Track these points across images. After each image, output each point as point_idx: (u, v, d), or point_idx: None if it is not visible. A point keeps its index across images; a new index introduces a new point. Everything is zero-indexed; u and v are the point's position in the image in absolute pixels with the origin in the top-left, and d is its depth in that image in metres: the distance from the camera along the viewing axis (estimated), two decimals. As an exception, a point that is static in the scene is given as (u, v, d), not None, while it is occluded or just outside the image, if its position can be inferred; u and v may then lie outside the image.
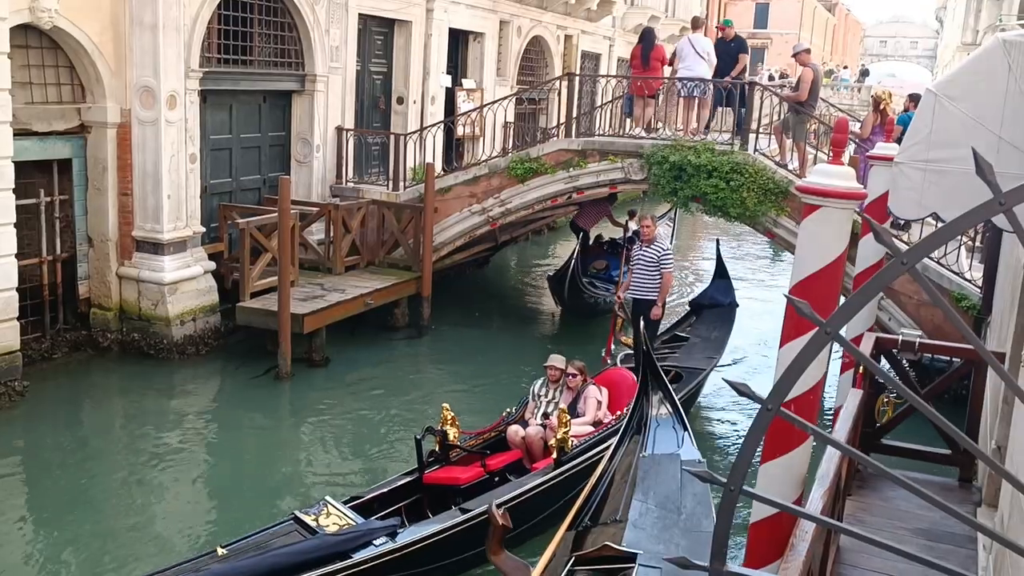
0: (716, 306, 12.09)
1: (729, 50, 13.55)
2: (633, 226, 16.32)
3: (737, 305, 12.19)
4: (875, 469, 1.64)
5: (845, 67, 52.98)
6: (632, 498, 5.92)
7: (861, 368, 6.72)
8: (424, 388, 11.14)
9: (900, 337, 7.15)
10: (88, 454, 8.83)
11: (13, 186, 9.49)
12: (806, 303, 1.58)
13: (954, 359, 6.95)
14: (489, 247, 16.55)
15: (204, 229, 11.93)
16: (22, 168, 9.81)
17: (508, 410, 8.20)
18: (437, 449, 7.41)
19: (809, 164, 12.05)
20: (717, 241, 14.04)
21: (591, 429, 7.71)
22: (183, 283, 11.31)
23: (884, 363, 7.10)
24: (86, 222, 11.26)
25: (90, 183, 11.17)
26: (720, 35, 14.13)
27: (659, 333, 11.16)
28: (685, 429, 6.86)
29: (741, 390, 1.68)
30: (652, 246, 10.39)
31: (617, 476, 6.34)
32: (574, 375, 7.95)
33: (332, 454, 9.28)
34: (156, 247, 11.18)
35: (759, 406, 1.71)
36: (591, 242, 15.92)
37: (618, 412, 7.83)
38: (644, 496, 5.92)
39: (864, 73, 47.64)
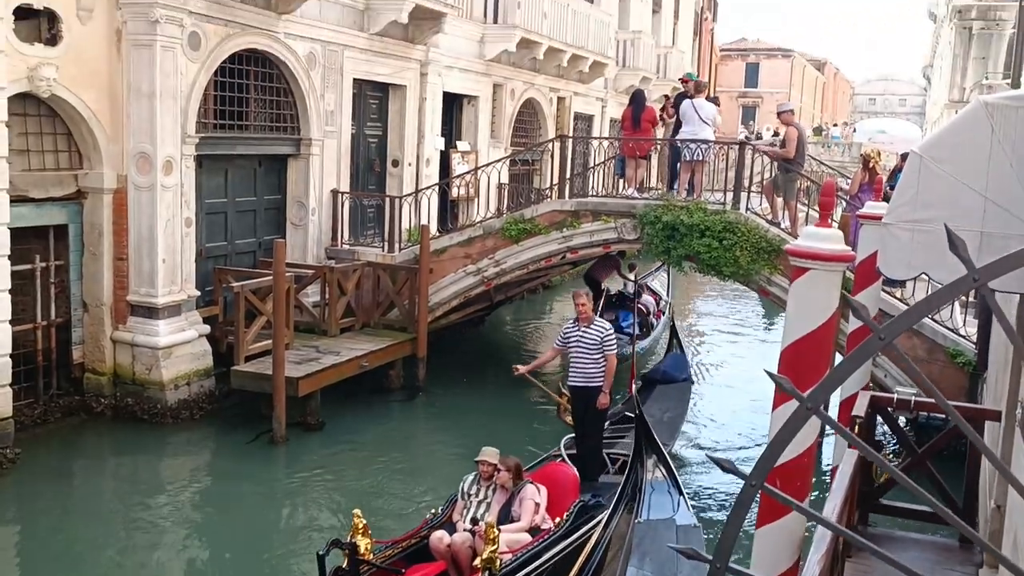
0: (670, 382, 11.43)
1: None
2: (632, 280, 16.54)
3: (693, 382, 11.61)
4: (861, 545, 1.62)
5: (835, 124, 53.71)
6: (628, 564, 5.85)
7: (856, 428, 6.68)
8: (420, 452, 11.06)
9: (895, 396, 7.13)
10: (80, 522, 8.71)
11: (8, 253, 9.53)
12: (787, 379, 1.58)
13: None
14: (484, 307, 16.57)
15: (199, 293, 11.95)
16: (18, 234, 9.86)
17: (433, 511, 7.15)
18: (345, 566, 6.12)
19: (801, 222, 12.15)
20: (671, 309, 13.68)
21: (528, 538, 6.63)
22: (177, 347, 11.29)
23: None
24: (81, 287, 11.28)
25: (86, 248, 11.21)
26: (683, 88, 14.30)
27: (611, 410, 9.88)
28: (680, 493, 6.82)
29: (725, 467, 1.67)
30: (592, 326, 8.82)
31: (612, 544, 6.27)
32: (504, 471, 6.94)
33: (326, 521, 9.16)
34: (151, 311, 11.18)
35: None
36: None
37: (558, 518, 6.82)
38: (640, 564, 5.86)
39: (853, 129, 48.46)
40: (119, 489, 9.67)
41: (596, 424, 8.83)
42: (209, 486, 9.81)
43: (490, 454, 7.04)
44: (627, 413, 10.26)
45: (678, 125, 13.76)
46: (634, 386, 9.97)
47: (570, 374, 8.96)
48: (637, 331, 14.50)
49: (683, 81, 14.49)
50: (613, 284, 16.08)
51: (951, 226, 5.35)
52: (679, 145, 13.50)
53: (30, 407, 10.55)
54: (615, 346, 8.87)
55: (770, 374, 1.69)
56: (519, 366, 9.16)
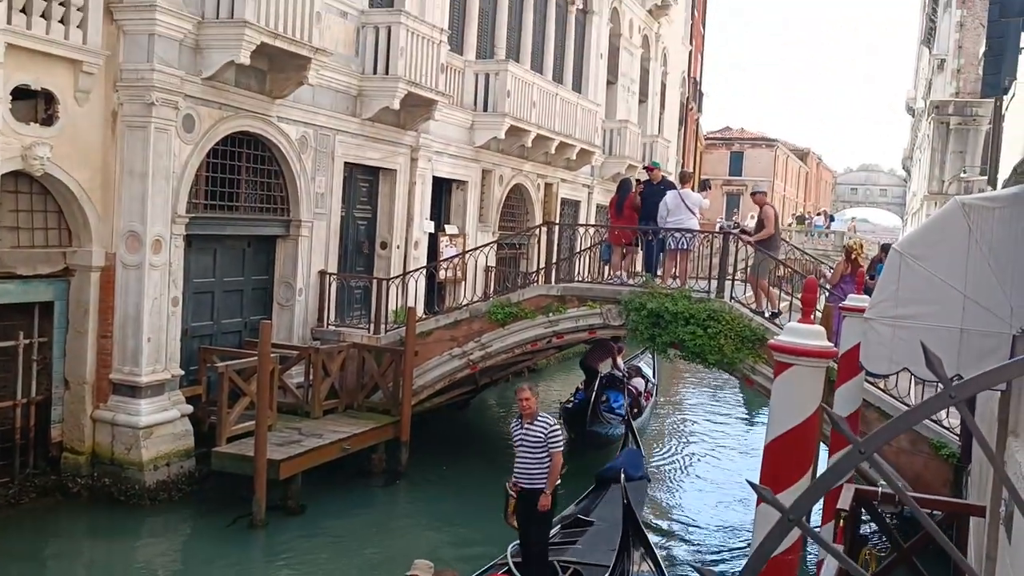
0: (626, 480, 10.59)
1: (656, 192, 13.98)
2: (622, 365, 16.87)
3: (649, 480, 11.12)
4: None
5: (819, 214, 54.63)
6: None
7: (841, 521, 6.66)
8: (398, 542, 10.85)
9: (880, 489, 7.13)
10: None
11: (-7, 329, 9.50)
12: (768, 490, 1.60)
13: (935, 511, 6.90)
14: (469, 390, 16.51)
15: (183, 372, 11.88)
16: (3, 310, 9.84)
17: None
18: None
19: (781, 309, 12.31)
20: (627, 409, 13.05)
21: None
22: (159, 427, 11.17)
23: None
24: (64, 364, 11.20)
25: (71, 326, 11.17)
26: (648, 177, 14.50)
27: (562, 514, 9.60)
28: (667, 586, 6.71)
29: (703, 574, 1.67)
30: (536, 422, 8.20)
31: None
32: None
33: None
34: (133, 390, 11.09)
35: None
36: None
37: None
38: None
39: (831, 219, 49.57)
40: (92, 574, 9.44)
41: (541, 528, 8.26)
42: (185, 572, 9.59)
43: (422, 567, 6.56)
44: (580, 516, 9.83)
45: (644, 214, 14.00)
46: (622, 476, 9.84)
47: (514, 474, 8.34)
48: (628, 412, 15.05)
49: (648, 169, 14.66)
50: (604, 367, 16.34)
51: (932, 323, 5.42)
52: (663, 234, 13.67)
53: (4, 486, 10.37)
54: (561, 443, 8.25)
55: (752, 485, 1.72)
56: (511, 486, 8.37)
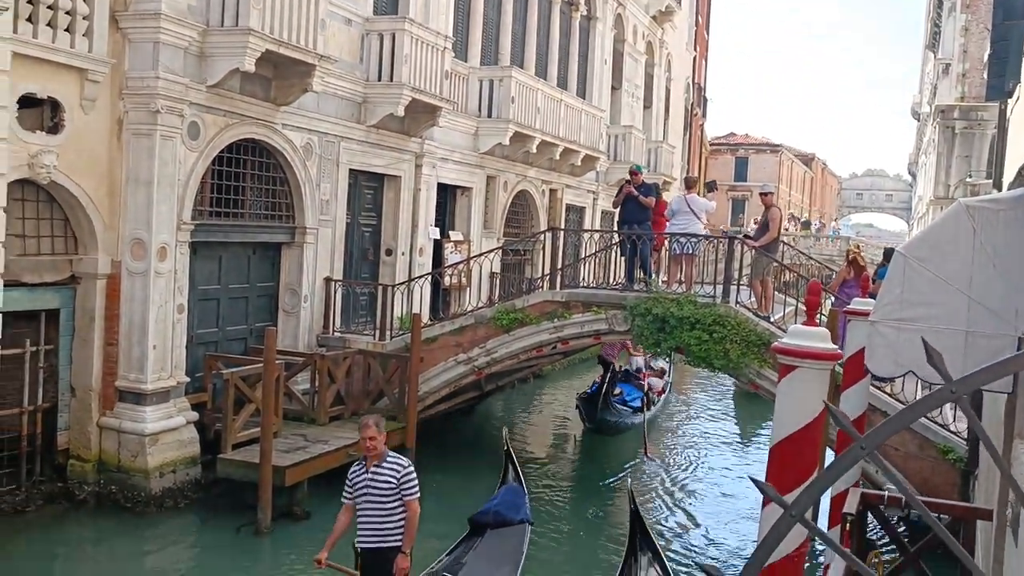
0: (503, 524, 9.13)
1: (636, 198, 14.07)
2: (639, 360, 18.62)
3: (531, 523, 9.47)
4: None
5: (821, 220, 54.65)
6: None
7: (848, 525, 6.64)
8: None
9: (887, 493, 7.10)
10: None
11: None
12: (771, 487, 1.60)
13: (942, 515, 6.88)
14: (475, 396, 16.52)
15: (188, 379, 11.90)
16: (9, 318, 9.86)
17: None
18: None
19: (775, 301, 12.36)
20: (505, 433, 11.29)
21: None
22: (164, 434, 11.18)
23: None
24: (70, 371, 11.23)
25: (77, 333, 11.20)
26: (630, 180, 14.49)
27: (428, 569, 8.28)
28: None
29: (710, 572, 1.68)
30: (385, 464, 6.61)
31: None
32: None
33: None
34: (139, 397, 11.11)
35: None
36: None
37: None
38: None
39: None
40: (98, 580, 9.45)
41: None
42: (190, 579, 9.58)
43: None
44: (446, 573, 8.15)
45: (624, 218, 14.15)
46: (645, 457, 9.50)
47: (358, 532, 6.74)
48: (640, 405, 16.70)
49: (632, 174, 14.63)
50: (619, 362, 17.69)
51: (937, 325, 5.41)
52: (670, 239, 13.69)
53: (11, 494, 10.39)
54: (417, 489, 6.62)
55: (755, 481, 1.71)
56: (320, 556, 6.91)
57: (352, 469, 6.76)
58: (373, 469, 6.56)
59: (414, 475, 6.58)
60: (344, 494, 6.74)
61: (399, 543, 6.56)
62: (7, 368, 9.92)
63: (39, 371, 10.87)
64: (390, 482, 6.50)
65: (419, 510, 6.63)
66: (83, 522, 10.72)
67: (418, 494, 6.60)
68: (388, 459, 6.58)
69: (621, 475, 14.55)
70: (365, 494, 6.58)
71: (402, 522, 6.56)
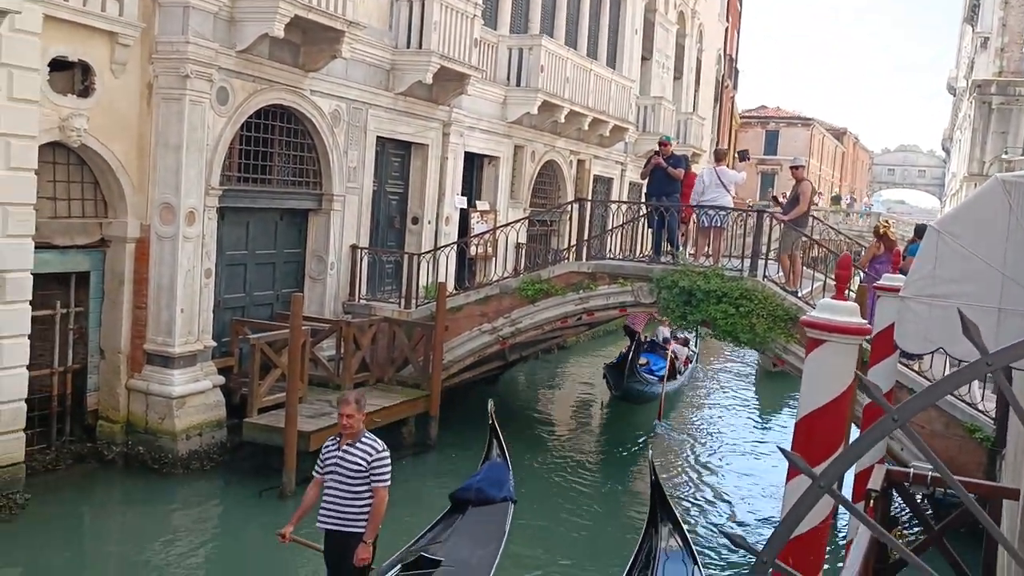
0: (486, 502, 8.77)
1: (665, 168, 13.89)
2: (665, 331, 18.91)
3: (515, 501, 8.97)
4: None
5: (853, 197, 54.02)
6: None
7: (871, 501, 6.59)
8: (425, 513, 10.90)
9: (912, 470, 7.04)
10: (86, 571, 8.65)
11: (31, 298, 9.62)
12: (799, 457, 1.58)
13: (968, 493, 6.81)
14: (499, 366, 16.56)
15: (215, 343, 12.00)
16: (40, 280, 9.97)
17: None
18: None
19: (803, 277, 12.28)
20: (491, 406, 10.42)
21: None
22: (191, 397, 11.31)
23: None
24: (99, 334, 11.36)
25: (106, 296, 11.32)
26: (659, 151, 14.28)
27: (407, 547, 7.98)
28: (695, 563, 6.71)
29: (736, 542, 1.66)
30: (359, 444, 6.30)
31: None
32: None
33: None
34: (167, 360, 11.23)
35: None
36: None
37: None
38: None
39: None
40: (125, 540, 9.60)
41: None
42: (215, 540, 9.73)
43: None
44: (424, 555, 7.83)
45: (652, 190, 14.05)
46: (658, 422, 9.42)
47: (320, 511, 6.40)
48: (666, 374, 16.91)
49: (662, 144, 14.39)
50: (645, 331, 17.84)
51: (969, 302, 5.33)
52: (698, 211, 13.59)
53: (42, 452, 10.57)
54: (387, 476, 6.29)
55: (783, 451, 1.69)
56: (285, 531, 6.65)
57: (326, 443, 6.51)
58: (345, 447, 6.27)
59: (387, 461, 6.26)
60: (316, 468, 6.49)
61: (361, 529, 6.21)
62: (38, 329, 10.05)
63: (69, 333, 11.01)
64: (359, 464, 6.20)
65: (387, 498, 6.28)
66: (111, 482, 10.90)
67: (388, 482, 6.27)
68: (363, 440, 6.28)
69: (641, 442, 14.60)
70: (332, 472, 6.30)
71: (367, 508, 6.22)
